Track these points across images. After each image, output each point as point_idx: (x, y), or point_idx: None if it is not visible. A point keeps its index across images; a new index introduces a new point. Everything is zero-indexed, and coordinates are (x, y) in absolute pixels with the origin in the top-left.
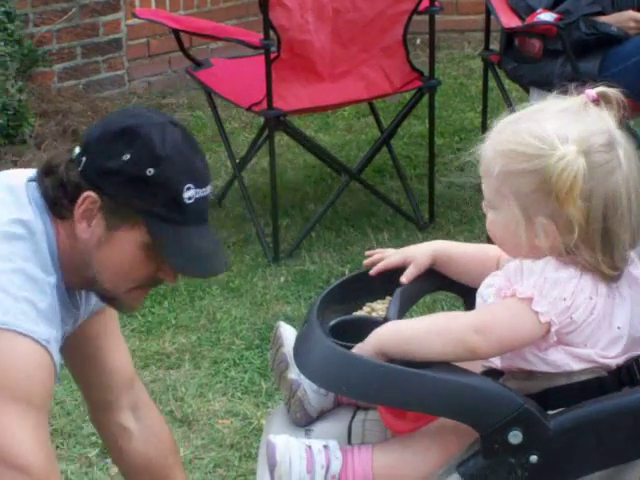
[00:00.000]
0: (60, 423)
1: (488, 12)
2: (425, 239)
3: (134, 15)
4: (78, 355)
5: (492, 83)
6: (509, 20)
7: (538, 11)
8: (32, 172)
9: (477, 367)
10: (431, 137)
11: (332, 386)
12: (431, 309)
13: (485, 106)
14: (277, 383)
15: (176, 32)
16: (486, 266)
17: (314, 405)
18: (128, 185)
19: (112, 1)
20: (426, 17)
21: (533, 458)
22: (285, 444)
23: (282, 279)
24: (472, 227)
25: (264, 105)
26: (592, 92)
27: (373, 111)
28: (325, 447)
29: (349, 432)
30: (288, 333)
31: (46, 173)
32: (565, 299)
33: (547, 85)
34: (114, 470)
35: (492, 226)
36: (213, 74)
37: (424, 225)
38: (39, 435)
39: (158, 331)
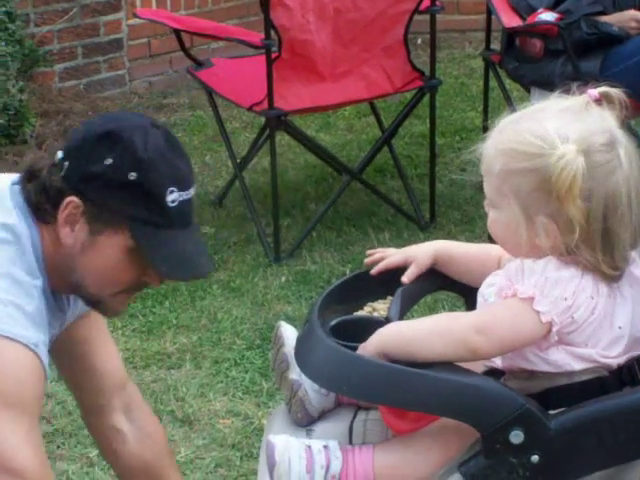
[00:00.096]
0: (61, 423)
1: (489, 12)
2: (426, 239)
3: (135, 15)
4: (67, 358)
5: (493, 83)
6: (510, 20)
7: (539, 11)
8: (15, 176)
9: (479, 367)
10: (432, 137)
11: (333, 386)
12: (432, 309)
13: (486, 106)
14: (278, 383)
15: (177, 32)
16: (487, 266)
17: (315, 405)
18: (111, 190)
19: (113, 1)
20: (427, 17)
21: (534, 458)
22: (284, 444)
23: (283, 279)
24: (473, 227)
25: (265, 105)
26: (594, 92)
27: (374, 111)
28: (325, 447)
29: (350, 432)
30: (289, 333)
31: (29, 178)
32: (566, 299)
33: (548, 85)
34: None
35: (493, 225)
36: (214, 74)
37: (425, 225)
38: (32, 439)
39: (159, 331)
